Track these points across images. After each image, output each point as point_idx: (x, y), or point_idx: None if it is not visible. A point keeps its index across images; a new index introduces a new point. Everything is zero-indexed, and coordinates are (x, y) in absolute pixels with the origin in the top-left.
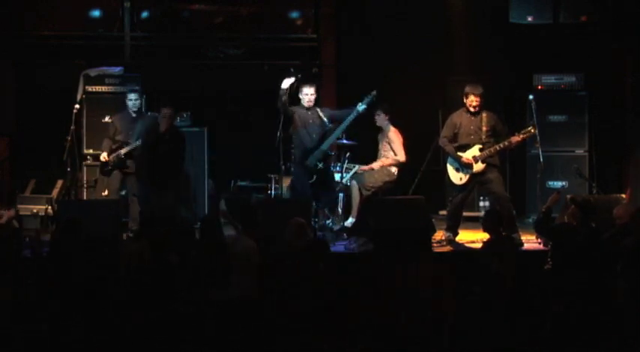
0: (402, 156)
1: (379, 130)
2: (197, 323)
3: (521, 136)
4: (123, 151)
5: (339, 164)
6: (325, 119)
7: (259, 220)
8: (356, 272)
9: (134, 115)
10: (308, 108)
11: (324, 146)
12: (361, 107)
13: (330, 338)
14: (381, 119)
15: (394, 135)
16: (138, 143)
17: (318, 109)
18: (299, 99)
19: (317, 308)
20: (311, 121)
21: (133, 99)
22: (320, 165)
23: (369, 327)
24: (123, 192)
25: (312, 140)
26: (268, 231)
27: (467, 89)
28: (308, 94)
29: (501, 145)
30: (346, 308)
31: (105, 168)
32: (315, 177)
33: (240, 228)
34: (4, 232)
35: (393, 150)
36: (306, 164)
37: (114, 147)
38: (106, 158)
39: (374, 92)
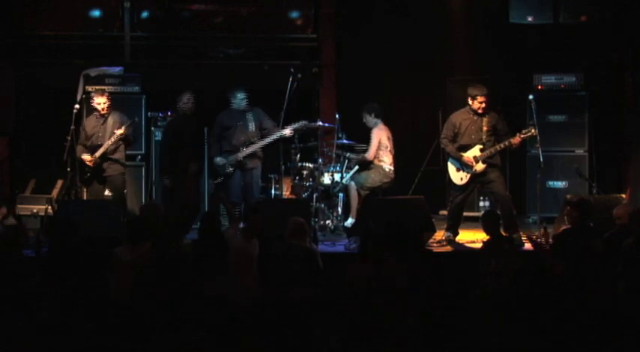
0: (369, 155)
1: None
2: (197, 322)
3: (522, 137)
4: (98, 153)
5: (339, 164)
6: (252, 124)
7: (260, 220)
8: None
9: (99, 117)
10: (239, 111)
11: (240, 155)
12: (287, 131)
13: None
14: (368, 120)
15: (376, 132)
16: (113, 138)
17: (250, 113)
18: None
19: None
20: (240, 123)
21: (101, 103)
22: (230, 170)
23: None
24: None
25: (235, 141)
26: (268, 231)
27: (474, 91)
28: (241, 98)
29: (502, 145)
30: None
31: (85, 175)
32: (220, 178)
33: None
34: (5, 232)
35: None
36: (216, 162)
37: (88, 151)
38: (91, 160)
39: (303, 122)
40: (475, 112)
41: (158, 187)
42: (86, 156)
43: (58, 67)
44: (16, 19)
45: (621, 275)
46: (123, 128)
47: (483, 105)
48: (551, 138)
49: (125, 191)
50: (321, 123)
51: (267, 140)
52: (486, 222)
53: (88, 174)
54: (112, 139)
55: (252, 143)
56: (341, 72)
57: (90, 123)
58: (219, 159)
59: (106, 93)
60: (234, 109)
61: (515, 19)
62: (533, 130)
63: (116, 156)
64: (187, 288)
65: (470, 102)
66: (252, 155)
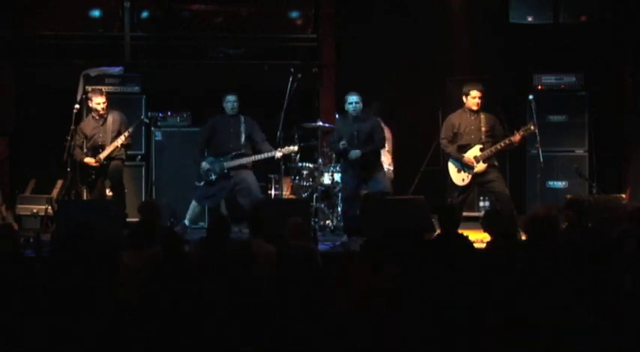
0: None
1: None
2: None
3: (521, 133)
4: (102, 156)
5: (339, 164)
6: (243, 134)
7: (265, 222)
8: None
9: (99, 118)
10: (231, 116)
11: (226, 165)
12: (278, 153)
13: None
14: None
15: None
16: (119, 141)
17: (242, 119)
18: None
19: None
20: (232, 130)
21: (101, 103)
22: (213, 178)
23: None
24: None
25: (224, 148)
26: (267, 231)
27: (468, 87)
28: (232, 101)
29: (502, 144)
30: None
31: (89, 178)
32: (202, 182)
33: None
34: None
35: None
36: (202, 167)
37: (88, 153)
38: (95, 162)
39: (295, 147)
40: (471, 111)
41: (158, 187)
42: (90, 160)
43: (58, 67)
44: (16, 19)
45: (627, 273)
46: (129, 130)
47: (477, 100)
48: (551, 138)
49: (125, 190)
50: (321, 123)
51: (257, 158)
52: (487, 222)
53: (93, 176)
54: (118, 143)
55: (240, 155)
56: (341, 72)
57: (89, 125)
58: (204, 165)
59: (104, 93)
60: (227, 115)
61: (515, 19)
62: (532, 127)
63: (116, 153)
64: (190, 291)
65: (465, 99)
66: (239, 166)
